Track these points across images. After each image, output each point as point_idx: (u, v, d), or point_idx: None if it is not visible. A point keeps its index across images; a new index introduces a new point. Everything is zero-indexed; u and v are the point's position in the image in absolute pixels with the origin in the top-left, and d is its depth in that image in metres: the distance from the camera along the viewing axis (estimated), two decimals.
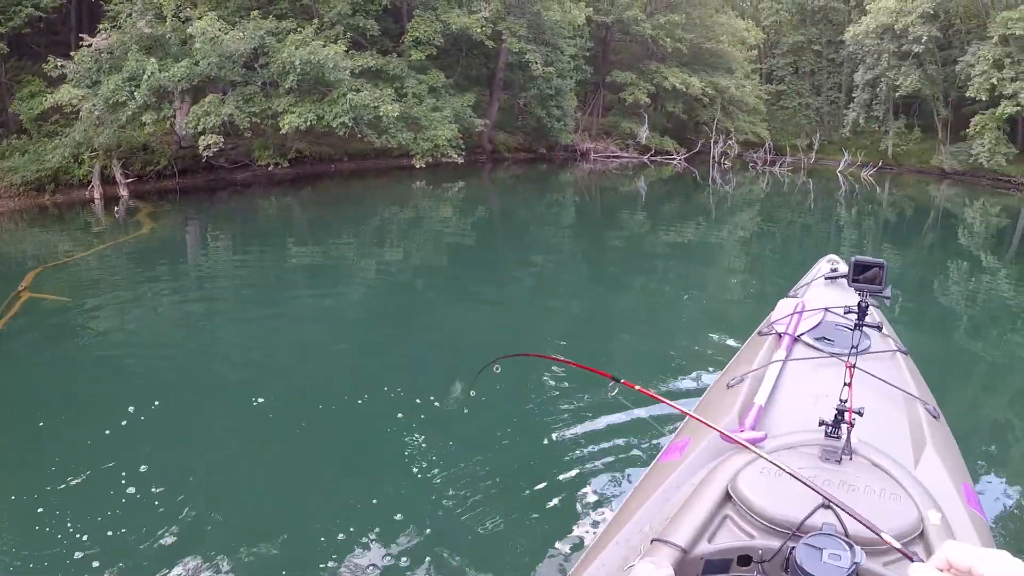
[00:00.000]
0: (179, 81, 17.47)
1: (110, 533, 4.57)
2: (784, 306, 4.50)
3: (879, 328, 4.19)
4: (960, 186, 30.76)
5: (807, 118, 40.76)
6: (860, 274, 3.03)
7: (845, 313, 3.98)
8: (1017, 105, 28.02)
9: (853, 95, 36.63)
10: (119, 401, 6.42)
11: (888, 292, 3.11)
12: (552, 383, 7.03)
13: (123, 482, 5.12)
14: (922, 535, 2.35)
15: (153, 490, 5.03)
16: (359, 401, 6.65)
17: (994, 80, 28.51)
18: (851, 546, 2.10)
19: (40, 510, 4.81)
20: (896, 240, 18.83)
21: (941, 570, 1.11)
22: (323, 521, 4.77)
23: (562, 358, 3.41)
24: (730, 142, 34.81)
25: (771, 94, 40.47)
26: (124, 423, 6.06)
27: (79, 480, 5.22)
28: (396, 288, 11.80)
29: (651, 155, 33.20)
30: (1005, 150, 29.40)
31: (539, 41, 26.62)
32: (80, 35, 18.33)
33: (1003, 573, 1.03)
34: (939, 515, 2.42)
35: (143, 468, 5.30)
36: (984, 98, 29.01)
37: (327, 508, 5.00)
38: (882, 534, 2.09)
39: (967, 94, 29.96)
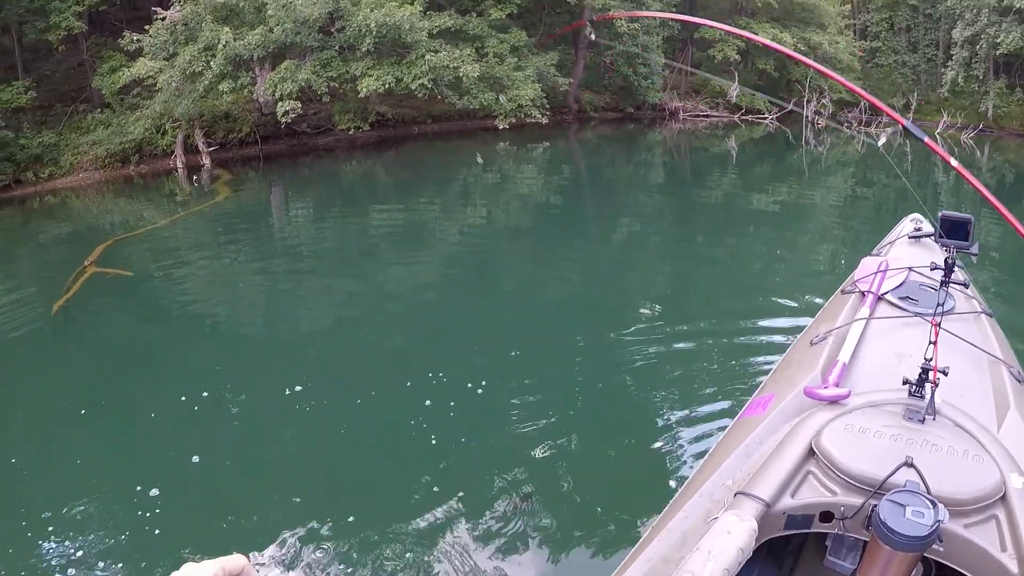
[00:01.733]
0: (255, 49, 17.15)
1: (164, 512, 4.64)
2: (868, 264, 4.42)
3: (965, 286, 4.00)
4: None
5: (903, 76, 38.74)
6: (947, 230, 3.11)
7: (932, 270, 3.70)
8: None
9: (952, 53, 34.64)
10: (175, 380, 6.42)
11: (975, 249, 3.21)
12: (634, 335, 7.10)
13: (191, 461, 5.10)
14: (1003, 498, 2.34)
15: (214, 472, 5.09)
16: (437, 372, 6.44)
17: None
18: (934, 504, 2.10)
19: (98, 481, 5.00)
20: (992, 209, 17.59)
21: None
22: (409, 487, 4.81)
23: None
24: (824, 100, 33.29)
25: (866, 51, 38.66)
26: (183, 401, 5.85)
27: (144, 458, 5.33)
28: (478, 253, 11.49)
29: (742, 114, 31.98)
30: None
31: None
32: (153, 8, 18.16)
33: None
34: (1022, 479, 2.41)
35: (205, 449, 5.27)
36: None
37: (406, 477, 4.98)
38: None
39: None
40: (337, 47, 18.80)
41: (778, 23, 32.30)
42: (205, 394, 5.90)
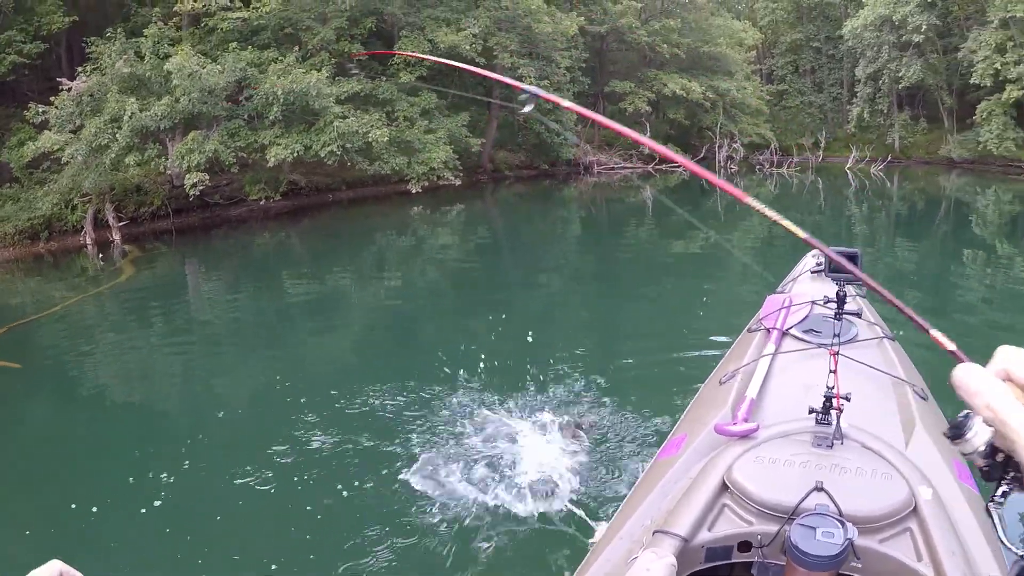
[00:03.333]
0: (161, 120, 17.18)
1: None
2: (772, 301, 4.58)
3: (858, 315, 4.18)
4: (970, 175, 30.26)
5: (811, 116, 40.27)
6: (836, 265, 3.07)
7: (825, 303, 4.04)
8: (1022, 88, 27.47)
9: (856, 90, 36.22)
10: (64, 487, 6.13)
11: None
12: (553, 384, 7.27)
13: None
14: (915, 511, 2.43)
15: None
16: (360, 439, 6.45)
17: (997, 65, 28.04)
18: (843, 523, 2.20)
19: None
20: (908, 233, 18.50)
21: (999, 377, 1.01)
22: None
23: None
24: (735, 145, 34.36)
25: (773, 94, 40.10)
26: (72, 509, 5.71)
27: None
28: (396, 318, 11.54)
29: (656, 164, 32.75)
30: (1014, 135, 28.90)
31: (532, 55, 26.36)
32: (58, 79, 18.11)
33: None
34: (931, 491, 2.51)
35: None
36: (989, 84, 28.54)
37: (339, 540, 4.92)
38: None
39: (971, 81, 29.49)
40: (245, 116, 18.96)
41: (687, 73, 33.25)
42: (95, 508, 5.75)
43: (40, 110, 17.60)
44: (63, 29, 21.03)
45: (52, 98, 17.93)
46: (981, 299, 11.57)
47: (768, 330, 4.20)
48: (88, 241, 18.13)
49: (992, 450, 1.02)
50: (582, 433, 6.07)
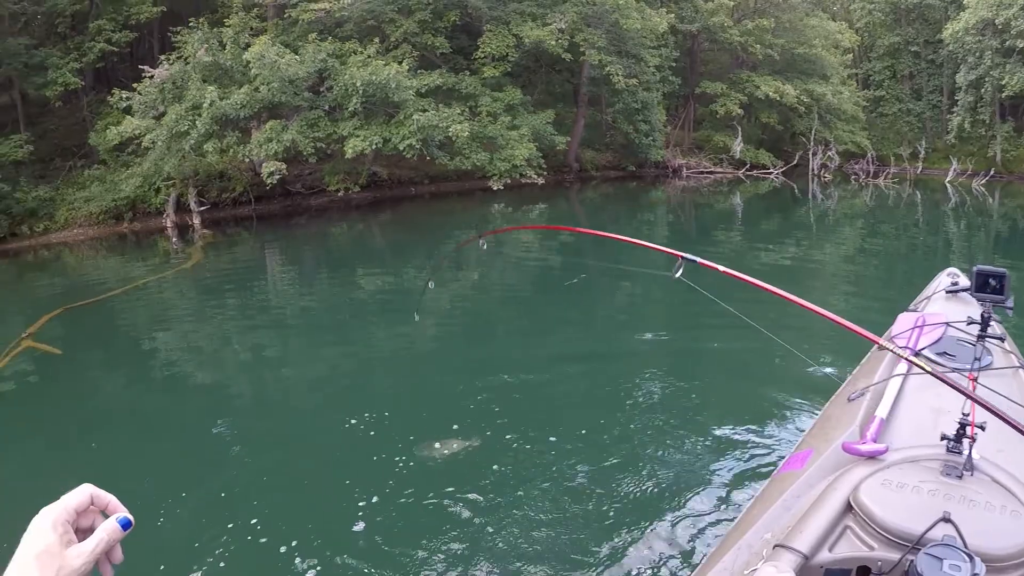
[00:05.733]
0: (240, 108, 17.22)
1: None
2: (904, 320, 4.36)
3: (1002, 340, 3.94)
4: None
5: (909, 125, 38.41)
6: (982, 284, 3.12)
7: (968, 325, 3.83)
8: None
9: (956, 98, 34.38)
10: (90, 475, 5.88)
11: (1011, 302, 3.20)
12: (672, 388, 7.27)
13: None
14: None
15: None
16: (426, 441, 6.20)
17: None
18: (971, 558, 2.12)
19: None
20: (1011, 253, 17.34)
21: None
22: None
23: (602, 232, 2.84)
24: (830, 153, 33.09)
25: (869, 100, 38.42)
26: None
27: None
28: (470, 319, 11.14)
29: (746, 170, 31.67)
30: None
31: (620, 52, 25.58)
32: (138, 67, 18.37)
33: None
34: None
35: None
36: None
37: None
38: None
39: None
40: (326, 107, 18.87)
41: (780, 75, 32.16)
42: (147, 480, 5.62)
43: (124, 96, 17.91)
44: (153, 19, 21.42)
45: (134, 84, 18.18)
46: None
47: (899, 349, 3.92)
48: (168, 224, 18.45)
49: None
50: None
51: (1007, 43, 29.66)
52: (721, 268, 2.88)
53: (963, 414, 2.78)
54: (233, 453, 6.27)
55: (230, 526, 4.99)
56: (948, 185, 30.62)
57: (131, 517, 1.08)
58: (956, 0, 33.43)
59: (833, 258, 15.78)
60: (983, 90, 31.91)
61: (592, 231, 2.76)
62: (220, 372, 8.95)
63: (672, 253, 3.02)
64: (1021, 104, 33.29)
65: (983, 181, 30.35)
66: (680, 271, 2.96)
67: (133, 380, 8.81)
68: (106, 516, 1.10)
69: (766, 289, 2.68)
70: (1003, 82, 30.22)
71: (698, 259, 2.89)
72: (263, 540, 4.82)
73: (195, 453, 6.36)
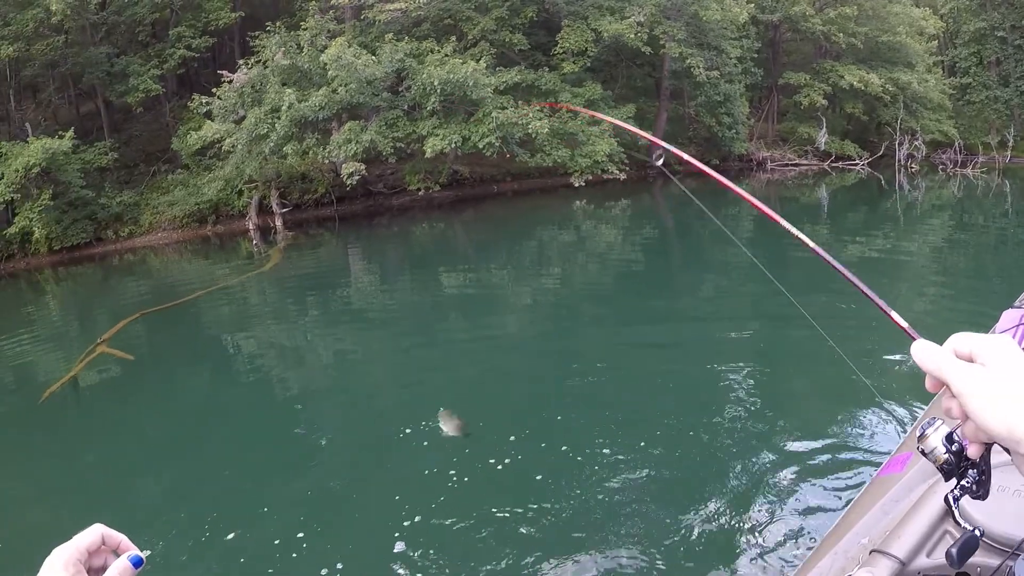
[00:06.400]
0: (319, 110, 17.16)
1: None
2: (1008, 317, 4.15)
3: None
4: None
5: (996, 112, 36.92)
6: None
7: None
8: None
9: None
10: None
11: None
12: (772, 391, 7.06)
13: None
14: None
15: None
16: (512, 437, 6.11)
17: None
18: None
19: None
20: None
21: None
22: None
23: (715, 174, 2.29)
24: (916, 143, 31.95)
25: (955, 88, 37.05)
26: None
27: None
28: (548, 321, 10.80)
29: (831, 161, 30.74)
30: None
31: (701, 44, 24.98)
32: (219, 71, 18.42)
33: (1001, 354, 0.95)
34: None
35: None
36: None
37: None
38: None
39: None
40: (405, 106, 18.72)
41: (864, 64, 31.14)
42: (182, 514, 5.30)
43: (204, 100, 18.01)
44: (232, 24, 21.54)
45: (214, 89, 18.25)
46: None
47: None
48: (251, 226, 18.51)
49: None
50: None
51: None
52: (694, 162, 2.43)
53: None
54: (314, 460, 6.18)
55: (323, 528, 4.98)
56: None
57: (142, 555, 1.05)
58: None
59: (924, 251, 15.17)
60: None
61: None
62: (300, 374, 8.86)
63: (651, 140, 2.97)
64: None
65: None
66: (661, 160, 2.90)
67: (201, 384, 8.82)
68: (117, 555, 1.06)
69: (770, 216, 2.04)
70: None
71: (672, 147, 2.64)
72: (369, 543, 4.81)
73: (272, 458, 6.27)
